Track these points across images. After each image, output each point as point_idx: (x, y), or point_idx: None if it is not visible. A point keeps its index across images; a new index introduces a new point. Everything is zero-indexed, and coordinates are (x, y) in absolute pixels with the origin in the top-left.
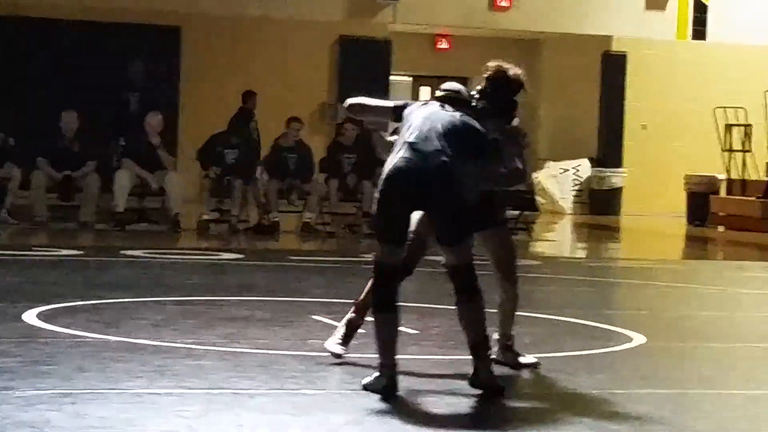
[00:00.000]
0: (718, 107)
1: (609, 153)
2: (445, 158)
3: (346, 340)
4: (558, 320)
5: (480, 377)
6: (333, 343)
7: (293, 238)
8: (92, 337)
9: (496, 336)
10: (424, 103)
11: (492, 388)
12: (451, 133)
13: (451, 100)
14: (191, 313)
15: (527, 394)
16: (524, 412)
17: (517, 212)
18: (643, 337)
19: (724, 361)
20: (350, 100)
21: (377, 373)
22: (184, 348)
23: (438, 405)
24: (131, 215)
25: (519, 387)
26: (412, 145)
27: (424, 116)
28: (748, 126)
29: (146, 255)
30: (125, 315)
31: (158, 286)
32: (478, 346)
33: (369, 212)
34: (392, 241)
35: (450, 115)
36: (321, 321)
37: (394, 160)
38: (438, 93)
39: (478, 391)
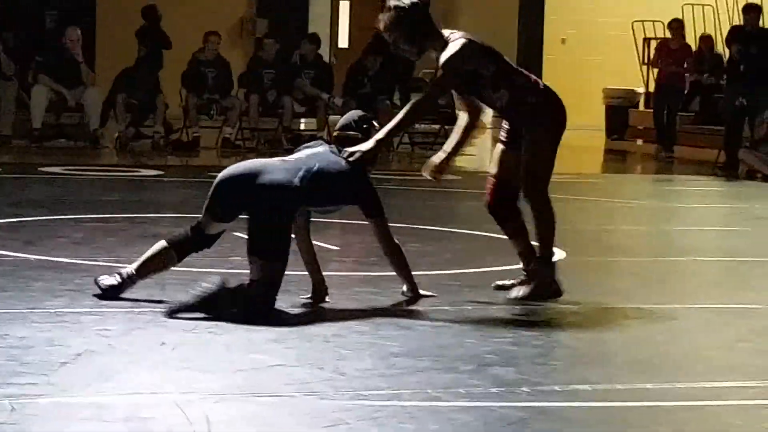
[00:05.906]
0: (636, 21)
1: (528, 67)
2: None
3: None
4: (479, 236)
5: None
6: None
7: (213, 154)
8: (11, 256)
9: None
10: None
11: None
12: None
13: None
14: (111, 231)
15: (447, 310)
16: (446, 326)
17: (437, 127)
18: (563, 252)
19: (644, 275)
20: None
21: None
22: (104, 266)
23: (361, 322)
24: (48, 131)
25: (440, 302)
26: None
27: None
28: None
29: (64, 172)
30: (44, 233)
31: (77, 204)
32: None
33: (289, 127)
34: None
35: None
36: (242, 237)
37: None
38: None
39: (401, 306)
